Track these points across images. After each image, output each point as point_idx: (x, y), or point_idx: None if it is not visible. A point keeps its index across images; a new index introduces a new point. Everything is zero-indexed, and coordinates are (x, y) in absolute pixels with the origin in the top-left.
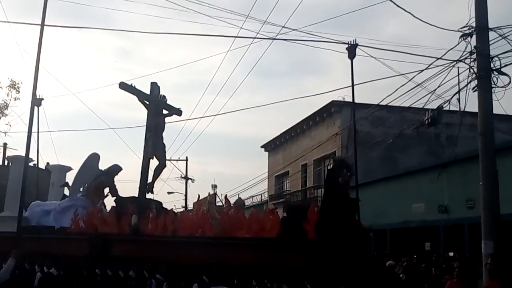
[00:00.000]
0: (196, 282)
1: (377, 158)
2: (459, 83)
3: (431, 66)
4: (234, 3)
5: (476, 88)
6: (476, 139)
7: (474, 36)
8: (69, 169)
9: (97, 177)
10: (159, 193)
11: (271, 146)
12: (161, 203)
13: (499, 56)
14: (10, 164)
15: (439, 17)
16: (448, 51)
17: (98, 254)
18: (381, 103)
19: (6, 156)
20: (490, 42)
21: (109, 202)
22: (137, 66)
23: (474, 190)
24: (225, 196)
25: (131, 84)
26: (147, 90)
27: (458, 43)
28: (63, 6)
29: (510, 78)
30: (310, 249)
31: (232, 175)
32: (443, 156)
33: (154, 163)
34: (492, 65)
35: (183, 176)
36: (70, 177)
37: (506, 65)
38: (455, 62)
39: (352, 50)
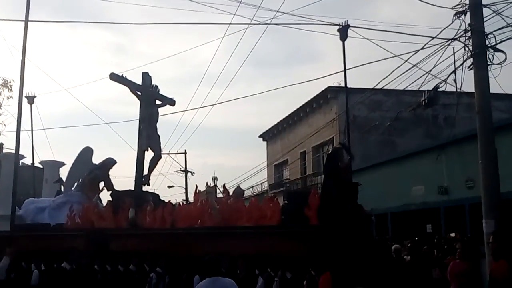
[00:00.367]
0: (197, 274)
1: (375, 142)
2: (454, 62)
3: (426, 46)
4: None
5: (472, 66)
6: (474, 119)
7: (468, 14)
8: (62, 164)
9: (91, 172)
10: (159, 188)
11: (269, 135)
12: (158, 195)
13: (494, 32)
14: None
15: None
16: (443, 30)
17: (96, 250)
18: (377, 87)
19: None
20: (485, 19)
21: (105, 196)
22: (132, 61)
23: (474, 170)
24: (223, 185)
25: (122, 75)
26: (139, 82)
27: (453, 22)
28: (56, 3)
29: (505, 55)
30: (313, 235)
31: (232, 166)
32: (441, 138)
33: (149, 155)
34: (487, 42)
35: (182, 169)
36: (63, 173)
37: (501, 42)
38: (450, 41)
39: (343, 31)
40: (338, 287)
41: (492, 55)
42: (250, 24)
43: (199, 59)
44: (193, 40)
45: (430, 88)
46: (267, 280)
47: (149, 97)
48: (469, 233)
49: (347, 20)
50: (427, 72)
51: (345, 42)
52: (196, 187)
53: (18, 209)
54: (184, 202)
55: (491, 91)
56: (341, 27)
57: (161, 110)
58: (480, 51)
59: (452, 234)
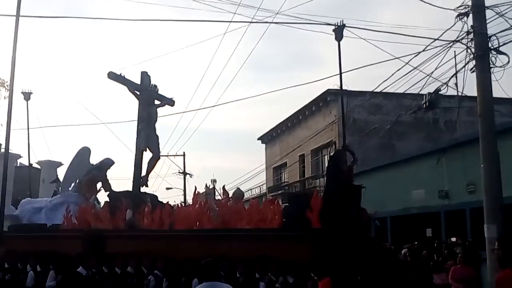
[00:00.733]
0: (196, 277)
1: (375, 145)
2: (456, 65)
3: (427, 48)
4: None
5: (474, 69)
6: (475, 123)
7: (470, 16)
8: (59, 164)
9: (89, 172)
10: (157, 190)
11: (268, 138)
12: (156, 197)
13: (497, 35)
14: None
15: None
16: (445, 31)
17: (93, 251)
18: (377, 90)
19: None
20: (487, 21)
21: (102, 197)
22: (129, 61)
23: (475, 174)
24: (223, 187)
25: (120, 74)
26: (137, 81)
27: (455, 23)
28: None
29: (508, 57)
30: (316, 238)
31: (232, 169)
32: (442, 142)
33: (147, 155)
34: (490, 44)
35: (181, 171)
36: (61, 173)
37: (504, 44)
38: (452, 43)
39: (339, 31)
40: None
41: (495, 58)
42: (250, 22)
43: (199, 61)
44: (194, 39)
45: (431, 92)
46: (268, 285)
47: (148, 97)
48: (470, 238)
49: (342, 20)
50: (428, 75)
51: (345, 44)
52: (196, 188)
53: (15, 209)
54: (183, 204)
55: (493, 95)
56: (336, 27)
57: (159, 111)
58: (482, 53)
59: (453, 239)
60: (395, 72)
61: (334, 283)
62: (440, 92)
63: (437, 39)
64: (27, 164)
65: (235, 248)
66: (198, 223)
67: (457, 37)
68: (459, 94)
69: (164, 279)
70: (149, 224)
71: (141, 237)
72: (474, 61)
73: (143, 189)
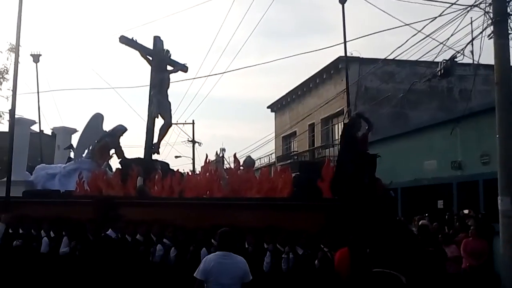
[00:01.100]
0: (204, 246)
1: (387, 114)
2: (472, 32)
3: (444, 13)
4: None
5: (492, 35)
6: (490, 92)
7: None
8: (74, 131)
9: (102, 139)
10: (166, 158)
11: (277, 106)
12: (168, 164)
13: None
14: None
15: None
16: None
17: (103, 218)
18: (390, 57)
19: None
20: None
21: (116, 163)
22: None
23: (489, 144)
24: (234, 155)
25: (132, 38)
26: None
27: None
28: None
29: None
30: (327, 208)
31: (241, 138)
32: (456, 111)
33: (159, 123)
34: (509, 10)
35: (190, 139)
36: (75, 140)
37: None
38: (469, 8)
39: None
40: (356, 265)
41: None
42: None
43: (208, 25)
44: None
45: (446, 59)
46: (276, 256)
47: (161, 62)
48: (482, 210)
49: None
50: (442, 43)
51: (359, 11)
52: (207, 156)
53: (30, 175)
54: (192, 173)
55: (511, 63)
56: None
57: (172, 78)
58: (501, 18)
59: (466, 211)
60: (409, 39)
61: (352, 254)
62: (455, 60)
63: (454, 3)
64: (38, 130)
65: (244, 217)
66: (208, 191)
67: (475, 2)
68: (475, 62)
69: (173, 248)
70: (159, 191)
71: (150, 204)
72: (492, 27)
73: (154, 157)
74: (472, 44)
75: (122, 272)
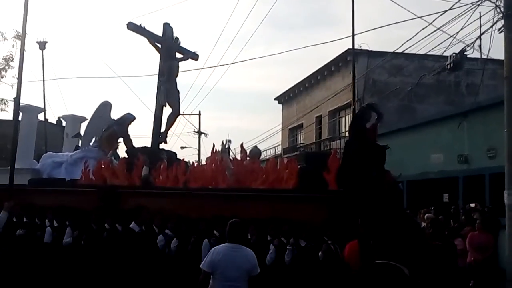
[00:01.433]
0: (206, 237)
1: (394, 108)
2: (480, 26)
3: (454, 7)
4: None
5: (502, 28)
6: (498, 87)
7: None
8: (83, 119)
9: (109, 127)
10: (172, 148)
11: (284, 98)
12: (175, 154)
13: None
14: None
15: None
16: None
17: (107, 207)
18: (399, 50)
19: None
20: None
21: (123, 152)
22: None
23: (496, 138)
24: (241, 145)
25: (140, 25)
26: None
27: None
28: None
29: None
30: (332, 201)
31: (247, 130)
32: (463, 105)
33: (166, 112)
34: None
35: (196, 130)
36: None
37: None
38: (480, 1)
39: None
40: (366, 258)
41: None
42: None
43: (216, 16)
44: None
45: (455, 53)
46: (279, 248)
47: (169, 49)
48: (488, 204)
49: None
50: (452, 35)
51: (368, 4)
52: (213, 146)
53: (36, 163)
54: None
55: None
56: None
57: (180, 65)
58: None
59: (472, 204)
60: (418, 32)
61: (362, 247)
62: (465, 53)
63: None
64: (43, 119)
65: (248, 209)
66: (213, 182)
67: None
68: (484, 56)
69: (174, 239)
70: (163, 181)
71: (154, 194)
72: (502, 21)
73: (162, 146)
74: (481, 39)
75: (128, 264)
